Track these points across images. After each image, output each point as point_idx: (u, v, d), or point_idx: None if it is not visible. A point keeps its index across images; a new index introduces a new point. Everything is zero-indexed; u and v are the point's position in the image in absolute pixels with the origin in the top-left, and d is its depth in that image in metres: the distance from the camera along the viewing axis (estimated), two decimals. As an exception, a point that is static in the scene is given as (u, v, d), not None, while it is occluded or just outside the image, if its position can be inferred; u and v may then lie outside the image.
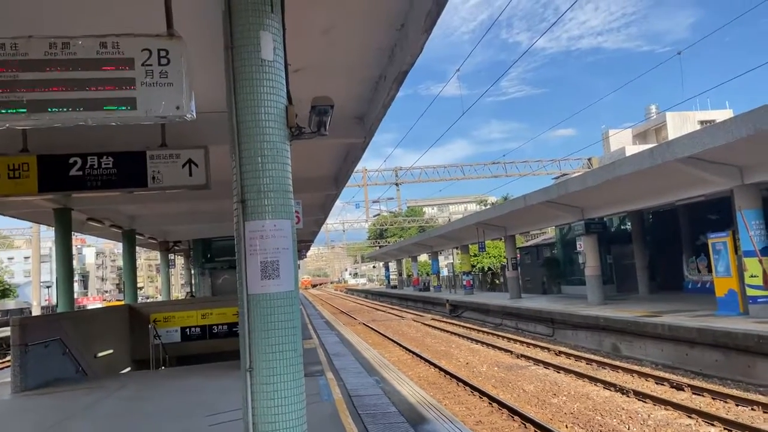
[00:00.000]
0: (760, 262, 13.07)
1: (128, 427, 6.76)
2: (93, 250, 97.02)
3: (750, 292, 13.39)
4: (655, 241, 24.84)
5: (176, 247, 26.49)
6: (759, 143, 11.77)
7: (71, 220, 14.07)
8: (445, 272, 52.23)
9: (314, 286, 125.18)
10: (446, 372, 14.26)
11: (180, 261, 37.56)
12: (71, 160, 7.84)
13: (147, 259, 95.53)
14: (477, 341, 20.12)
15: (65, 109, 3.64)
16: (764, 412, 9.14)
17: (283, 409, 3.42)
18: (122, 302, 22.25)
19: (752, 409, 9.42)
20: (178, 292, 52.89)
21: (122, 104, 3.65)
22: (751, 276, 13.28)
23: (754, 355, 11.20)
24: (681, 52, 22.87)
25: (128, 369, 14.00)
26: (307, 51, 6.29)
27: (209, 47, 4.87)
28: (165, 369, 13.26)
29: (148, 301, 53.79)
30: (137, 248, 25.43)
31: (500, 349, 17.90)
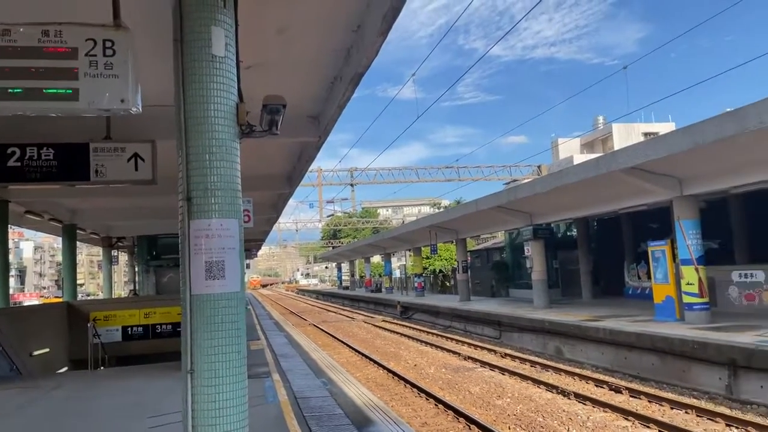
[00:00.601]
0: (697, 270, 13.65)
1: (64, 428, 6.50)
2: (31, 245, 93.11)
3: (686, 299, 13.96)
4: (599, 247, 25.64)
5: (120, 244, 25.72)
6: (697, 156, 12.30)
7: (8, 212, 13.48)
8: (397, 274, 52.45)
9: (264, 286, 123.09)
10: (394, 374, 14.31)
11: (124, 258, 36.44)
12: (9, 150, 7.49)
13: (89, 254, 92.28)
14: (426, 343, 20.28)
15: (3, 98, 3.49)
16: (698, 416, 9.53)
17: (225, 411, 3.36)
18: (61, 299, 21.44)
19: (686, 412, 9.81)
20: (121, 290, 51.32)
21: (64, 95, 3.52)
22: (688, 284, 13.85)
23: (689, 360, 11.68)
24: (627, 66, 23.71)
25: (65, 369, 13.48)
26: (261, 49, 6.22)
27: (159, 39, 4.75)
28: (104, 369, 12.84)
29: (89, 298, 51.97)
30: (78, 243, 24.53)
31: (448, 351, 18.10)
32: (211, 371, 3.36)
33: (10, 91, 3.45)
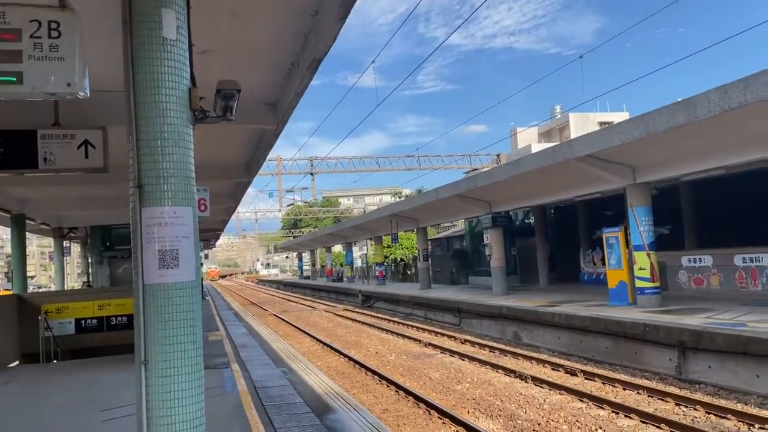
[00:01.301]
0: (648, 255, 14.08)
1: (15, 423, 6.30)
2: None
3: (639, 283, 14.40)
4: (556, 234, 26.19)
5: (72, 234, 24.94)
6: (649, 145, 12.64)
7: (-49, 202, 12.90)
8: (358, 263, 52.51)
9: (223, 276, 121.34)
10: (356, 361, 14.36)
11: (76, 248, 35.40)
12: (-50, 137, 7.17)
13: (39, 246, 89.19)
14: (387, 331, 20.40)
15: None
16: (649, 396, 9.87)
17: (180, 402, 3.30)
18: (10, 292, 20.68)
19: (638, 392, 10.15)
20: (75, 282, 49.87)
21: (7, 79, 3.37)
22: (640, 269, 14.28)
23: (640, 343, 12.07)
24: (582, 56, 24.12)
25: (16, 363, 13.05)
26: (215, 33, 6.08)
27: (109, 21, 4.58)
28: (57, 363, 12.48)
29: (40, 290, 50.33)
30: (29, 234, 23.69)
31: (409, 338, 18.25)
32: (165, 362, 3.29)
33: (-53, 73, 3.28)
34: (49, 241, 34.90)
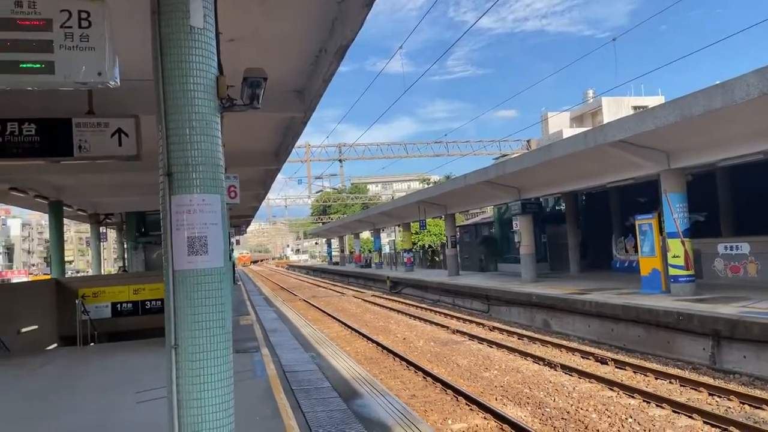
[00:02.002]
0: (683, 243, 13.78)
1: (51, 404, 6.52)
2: (19, 222, 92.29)
3: (672, 271, 14.12)
4: (588, 221, 25.80)
5: (108, 220, 25.55)
6: (685, 129, 12.32)
7: (-8, 189, 13.31)
8: (387, 249, 52.61)
9: (254, 262, 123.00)
10: (384, 347, 14.45)
11: (112, 234, 36.24)
12: (-11, 126, 7.37)
13: (77, 231, 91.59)
14: (415, 317, 20.45)
15: (-24, 72, 3.40)
16: (681, 385, 9.71)
17: (210, 386, 3.36)
18: (49, 276, 21.33)
19: (670, 382, 9.99)
20: (111, 267, 51.14)
21: (39, 69, 3.44)
22: (674, 256, 14.00)
23: (673, 331, 11.86)
24: (615, 38, 23.57)
25: (55, 345, 13.49)
26: (243, 21, 6.11)
27: (139, 10, 4.64)
28: (94, 345, 12.85)
29: (78, 275, 51.78)
30: (66, 220, 24.33)
31: (437, 324, 18.27)
32: (195, 347, 3.35)
33: (-17, 64, 3.36)
34: (86, 227, 35.77)
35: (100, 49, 3.43)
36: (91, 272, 30.50)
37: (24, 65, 3.43)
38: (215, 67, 3.60)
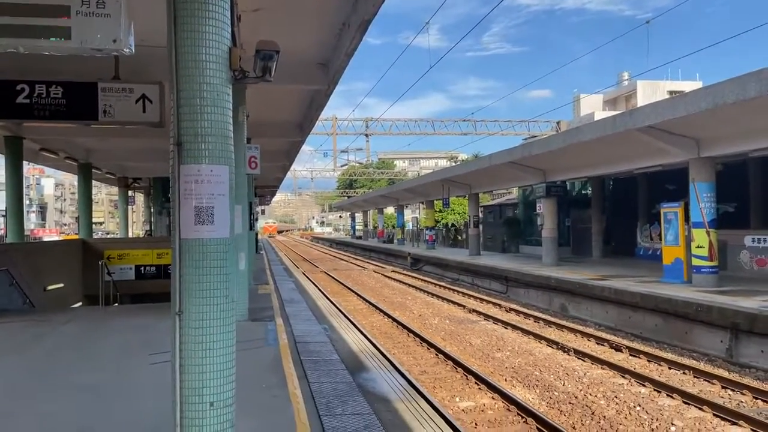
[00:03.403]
0: (708, 233, 13.51)
1: (70, 362, 6.76)
2: (52, 181, 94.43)
3: (695, 261, 13.88)
4: (613, 207, 25.41)
5: (136, 184, 26.01)
6: (717, 117, 12.00)
7: (23, 148, 13.64)
8: (409, 226, 52.64)
9: (280, 232, 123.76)
10: (399, 323, 14.57)
11: (141, 198, 36.91)
12: (18, 87, 7.53)
13: (109, 194, 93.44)
14: (433, 294, 20.53)
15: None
16: (695, 377, 9.62)
17: (212, 352, 3.44)
18: (77, 236, 21.89)
19: (684, 372, 9.90)
20: (139, 230, 52.15)
21: (56, 34, 3.50)
22: (698, 247, 13.75)
23: (691, 322, 11.71)
24: (649, 21, 22.85)
25: (80, 304, 13.91)
26: (266, -9, 6.09)
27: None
28: (117, 306, 13.22)
29: (106, 236, 52.97)
30: (97, 182, 24.81)
31: (454, 303, 18.32)
32: (199, 314, 3.43)
33: (1, 27, 3.43)
34: (117, 189, 36.52)
35: (115, 16, 3.47)
36: (119, 234, 31.22)
37: (41, 29, 3.49)
38: (228, 38, 3.61)
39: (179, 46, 3.43)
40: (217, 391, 3.44)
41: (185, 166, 3.44)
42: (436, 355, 11.27)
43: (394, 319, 15.12)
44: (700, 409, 7.94)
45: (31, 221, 71.65)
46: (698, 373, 9.74)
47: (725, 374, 9.62)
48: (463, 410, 8.04)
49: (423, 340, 12.42)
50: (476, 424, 7.48)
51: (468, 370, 9.79)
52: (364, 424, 4.64)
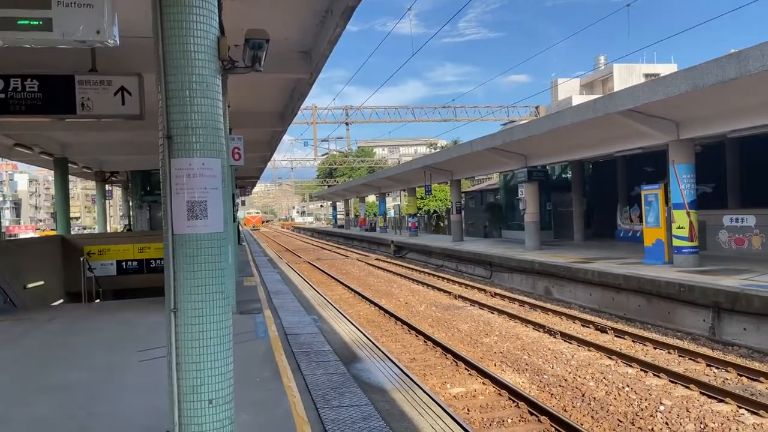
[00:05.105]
0: (688, 214, 13.70)
1: (57, 359, 6.63)
2: (26, 177, 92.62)
3: (676, 242, 14.08)
4: (593, 190, 25.67)
5: (113, 178, 25.57)
6: (696, 99, 12.11)
7: (-4, 145, 13.28)
8: (391, 214, 52.63)
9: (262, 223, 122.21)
10: (386, 311, 14.58)
11: (118, 192, 36.32)
12: (-8, 81, 7.29)
13: (84, 188, 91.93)
14: (418, 282, 20.58)
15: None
16: (680, 356, 9.78)
17: (209, 349, 3.38)
18: (56, 232, 21.49)
19: (668, 352, 10.06)
20: (117, 224, 51.42)
21: (37, 25, 3.37)
22: (679, 227, 13.94)
23: (674, 302, 11.90)
24: (630, 4, 22.98)
25: (61, 301, 13.68)
26: (248, -22, 5.96)
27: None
28: (99, 302, 13.03)
29: (84, 232, 52.15)
30: (73, 177, 24.33)
31: (439, 289, 18.39)
32: (194, 310, 3.37)
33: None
34: (93, 184, 35.82)
35: (98, 7, 3.36)
36: (97, 229, 30.72)
37: (21, 22, 3.37)
38: (216, 27, 3.52)
39: (166, 37, 3.33)
40: (216, 388, 3.38)
41: (176, 160, 3.35)
42: (425, 342, 11.31)
43: (380, 308, 15.12)
44: (687, 387, 8.08)
45: (5, 218, 70.22)
46: (683, 352, 9.91)
47: (709, 352, 9.80)
48: (454, 396, 8.08)
49: (411, 327, 12.45)
50: (468, 409, 7.53)
51: (457, 356, 9.83)
52: (363, 415, 4.62)
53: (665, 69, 41.56)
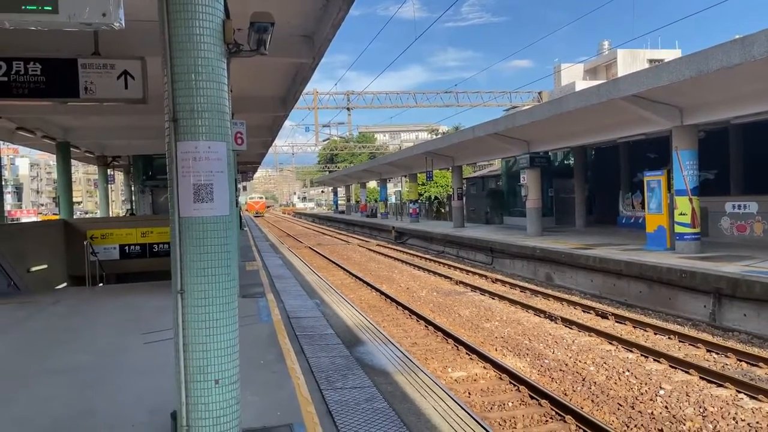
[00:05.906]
0: (690, 201, 13.71)
1: (63, 342, 6.69)
2: (27, 161, 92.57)
3: (678, 229, 14.10)
4: (596, 176, 25.64)
5: (115, 163, 25.58)
6: (700, 85, 12.07)
7: (-2, 129, 13.29)
8: (392, 199, 52.63)
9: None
10: (387, 296, 14.64)
11: (120, 177, 36.34)
12: (-6, 65, 7.28)
13: (86, 173, 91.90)
14: (419, 267, 20.64)
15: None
16: (680, 341, 9.84)
17: (216, 330, 3.42)
18: (57, 217, 21.53)
19: (669, 337, 10.12)
20: (119, 209, 51.49)
21: (43, 7, 3.37)
22: (681, 214, 13.95)
23: (675, 288, 11.95)
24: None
25: (64, 285, 13.75)
26: (251, -39, 5.93)
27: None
28: (103, 286, 13.09)
29: (87, 216, 52.23)
30: (75, 161, 24.33)
31: (440, 275, 18.45)
32: (201, 292, 3.40)
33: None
34: (95, 168, 35.82)
35: (104, -11, 3.34)
36: (99, 213, 30.78)
37: (28, 6, 3.36)
38: (222, 10, 3.52)
39: (172, 20, 3.33)
40: (222, 368, 3.43)
41: (182, 143, 3.37)
42: (426, 326, 11.38)
43: (381, 293, 15.19)
44: (687, 372, 8.14)
45: (7, 202, 70.32)
46: (683, 337, 9.97)
47: (709, 338, 9.86)
48: (455, 380, 8.15)
49: (412, 312, 12.51)
50: (469, 393, 7.60)
51: (458, 341, 9.90)
52: (366, 396, 4.67)
53: (670, 55, 41.30)
